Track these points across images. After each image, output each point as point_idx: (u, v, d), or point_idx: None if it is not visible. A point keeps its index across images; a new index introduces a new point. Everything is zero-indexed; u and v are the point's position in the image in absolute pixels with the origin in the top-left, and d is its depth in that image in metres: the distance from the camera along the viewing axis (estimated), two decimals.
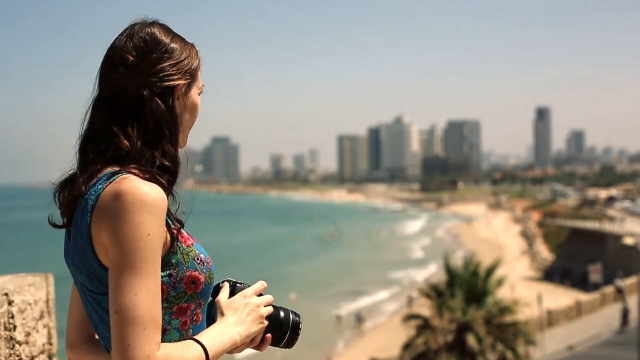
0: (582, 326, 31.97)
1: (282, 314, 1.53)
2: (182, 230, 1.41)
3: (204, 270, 1.40)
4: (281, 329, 1.52)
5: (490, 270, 22.89)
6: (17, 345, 2.23)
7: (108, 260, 1.30)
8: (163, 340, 1.31)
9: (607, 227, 54.77)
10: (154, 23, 1.47)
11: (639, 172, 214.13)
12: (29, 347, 2.29)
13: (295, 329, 1.52)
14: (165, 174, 1.39)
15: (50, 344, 2.45)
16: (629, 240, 45.14)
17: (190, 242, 1.41)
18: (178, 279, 1.36)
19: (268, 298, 1.52)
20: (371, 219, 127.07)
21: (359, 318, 37.85)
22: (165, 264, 1.35)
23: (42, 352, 2.38)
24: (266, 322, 1.49)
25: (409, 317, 22.73)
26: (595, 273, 42.44)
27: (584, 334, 30.25)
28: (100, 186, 1.33)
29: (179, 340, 1.37)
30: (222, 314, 1.45)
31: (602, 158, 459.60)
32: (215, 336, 1.38)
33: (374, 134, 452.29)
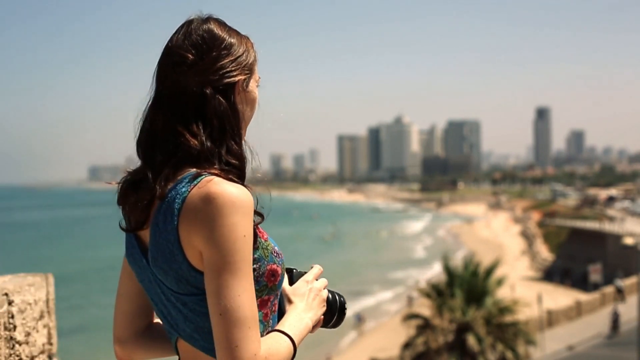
0: (582, 326, 31.96)
1: (330, 296, 1.59)
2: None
3: (280, 262, 1.44)
4: (331, 311, 1.58)
5: (490, 271, 22.89)
6: (17, 345, 2.23)
7: (199, 262, 1.32)
8: None
9: (607, 227, 54.74)
10: (209, 19, 1.46)
11: (639, 172, 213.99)
12: (29, 347, 2.29)
13: (342, 310, 1.59)
14: (234, 171, 1.40)
15: (50, 344, 2.45)
16: (629, 240, 45.13)
17: (266, 236, 1.44)
18: (260, 273, 1.39)
19: (325, 282, 1.58)
20: (371, 219, 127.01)
21: (359, 318, 37.84)
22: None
23: (42, 352, 2.38)
24: (326, 306, 1.56)
25: (409, 317, 22.73)
26: (595, 273, 42.42)
27: (584, 334, 30.24)
28: (184, 189, 1.33)
29: (263, 331, 1.40)
30: (290, 302, 1.49)
31: (602, 158, 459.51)
32: (294, 325, 1.43)
33: (374, 134, 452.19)
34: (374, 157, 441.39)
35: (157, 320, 1.62)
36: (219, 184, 1.31)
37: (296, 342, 1.40)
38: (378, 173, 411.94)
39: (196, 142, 1.36)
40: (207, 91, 1.38)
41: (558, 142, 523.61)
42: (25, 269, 2.74)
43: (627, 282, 38.27)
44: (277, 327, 1.42)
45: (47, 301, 2.45)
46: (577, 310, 34.64)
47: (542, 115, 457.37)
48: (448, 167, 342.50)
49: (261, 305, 1.41)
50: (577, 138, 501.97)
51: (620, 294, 37.22)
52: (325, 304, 1.55)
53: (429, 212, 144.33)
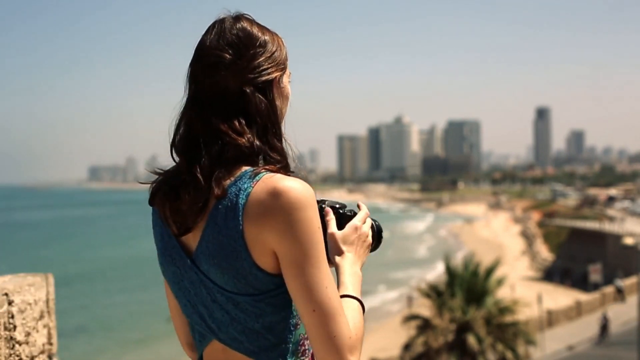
0: (582, 326, 31.94)
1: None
2: None
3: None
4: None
5: (490, 270, 22.89)
6: (17, 345, 2.23)
7: (265, 260, 1.33)
8: (294, 335, 1.40)
9: (607, 227, 54.74)
10: (241, 17, 1.46)
11: (639, 172, 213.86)
12: (29, 347, 2.29)
13: (380, 235, 1.62)
14: (278, 168, 1.40)
15: (50, 344, 2.45)
16: (629, 240, 45.12)
17: None
18: None
19: (370, 222, 1.59)
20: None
21: None
22: None
23: (42, 352, 2.38)
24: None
25: (409, 317, 22.73)
26: (595, 273, 42.41)
27: (584, 334, 30.22)
28: (246, 185, 1.32)
29: (306, 334, 1.39)
30: (341, 252, 1.50)
31: (602, 158, 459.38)
32: (354, 284, 1.46)
33: (374, 134, 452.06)
34: (374, 157, 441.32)
35: None
36: (283, 179, 1.32)
37: (360, 299, 1.44)
38: (378, 173, 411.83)
39: (244, 140, 1.36)
40: (248, 90, 1.39)
41: (558, 142, 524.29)
42: (25, 269, 2.74)
43: (627, 282, 38.27)
44: (345, 292, 1.43)
45: (47, 301, 2.45)
46: (577, 310, 34.64)
47: (542, 115, 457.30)
48: (448, 167, 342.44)
49: None
50: (577, 138, 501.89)
51: (620, 294, 37.22)
52: (370, 247, 1.57)
53: (429, 212, 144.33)
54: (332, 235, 1.51)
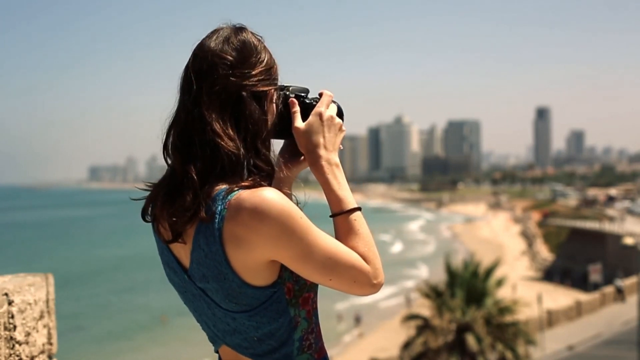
0: (582, 326, 31.95)
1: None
2: None
3: None
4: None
5: (490, 271, 22.89)
6: (17, 345, 2.23)
7: (251, 276, 1.36)
8: (296, 333, 1.42)
9: (607, 227, 54.77)
10: (244, 29, 1.49)
11: (639, 172, 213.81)
12: (29, 347, 2.29)
13: (341, 114, 1.58)
14: (262, 176, 1.41)
15: (50, 344, 2.45)
16: (629, 240, 45.13)
17: None
18: None
19: (334, 107, 1.56)
20: (371, 218, 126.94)
21: (358, 318, 37.85)
22: None
23: (42, 352, 2.38)
24: (344, 128, 1.57)
25: (409, 317, 22.72)
26: (595, 273, 42.46)
27: (584, 334, 30.21)
28: (220, 207, 1.34)
29: (308, 328, 1.45)
30: (312, 146, 1.50)
31: (602, 158, 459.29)
32: (344, 192, 1.48)
33: (374, 134, 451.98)
34: (374, 157, 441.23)
35: None
36: (253, 194, 1.33)
37: (352, 198, 1.47)
38: (378, 173, 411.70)
39: (232, 145, 1.38)
40: (245, 95, 1.41)
41: (558, 142, 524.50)
42: (25, 269, 2.74)
43: (627, 282, 38.28)
44: (348, 207, 1.45)
45: (47, 301, 2.45)
46: (577, 310, 34.65)
47: (542, 115, 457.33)
48: (448, 167, 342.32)
49: (303, 303, 1.44)
50: (577, 138, 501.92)
51: (620, 294, 37.24)
52: (342, 128, 1.55)
53: (429, 212, 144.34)
54: (297, 129, 1.51)
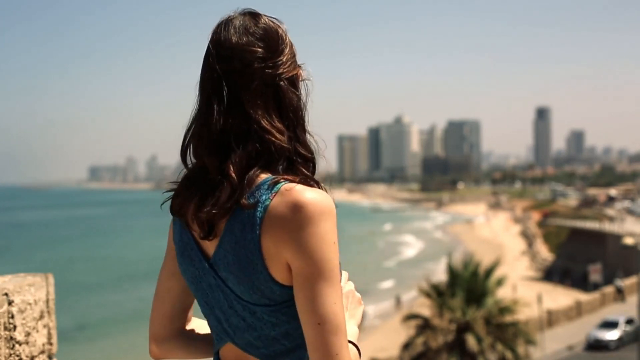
0: (582, 326, 31.96)
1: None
2: None
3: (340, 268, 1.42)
4: None
5: (490, 271, 22.90)
6: (17, 345, 2.23)
7: (281, 275, 1.30)
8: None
9: (607, 227, 54.80)
10: (258, 14, 1.43)
11: (639, 172, 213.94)
12: (29, 347, 2.29)
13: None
14: (307, 164, 1.39)
15: (50, 344, 2.45)
16: (629, 240, 45.17)
17: None
18: None
19: (352, 284, 1.54)
20: (372, 218, 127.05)
21: None
22: None
23: (42, 352, 2.38)
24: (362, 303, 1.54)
25: (409, 317, 22.72)
26: (595, 273, 42.48)
27: (584, 334, 30.24)
28: (264, 197, 1.29)
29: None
30: None
31: (602, 158, 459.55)
32: (351, 334, 1.42)
33: (374, 134, 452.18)
34: (374, 157, 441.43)
35: (192, 323, 1.59)
36: (302, 191, 1.29)
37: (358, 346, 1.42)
38: (378, 173, 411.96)
39: (284, 138, 1.35)
40: (282, 84, 1.38)
41: (558, 142, 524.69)
42: (25, 269, 2.74)
43: (627, 282, 38.31)
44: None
45: (47, 301, 2.45)
46: (577, 310, 34.68)
47: (542, 115, 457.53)
48: (448, 167, 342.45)
49: None
50: (577, 138, 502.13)
51: (620, 294, 37.27)
52: (361, 302, 1.53)
53: (429, 212, 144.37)
54: None
